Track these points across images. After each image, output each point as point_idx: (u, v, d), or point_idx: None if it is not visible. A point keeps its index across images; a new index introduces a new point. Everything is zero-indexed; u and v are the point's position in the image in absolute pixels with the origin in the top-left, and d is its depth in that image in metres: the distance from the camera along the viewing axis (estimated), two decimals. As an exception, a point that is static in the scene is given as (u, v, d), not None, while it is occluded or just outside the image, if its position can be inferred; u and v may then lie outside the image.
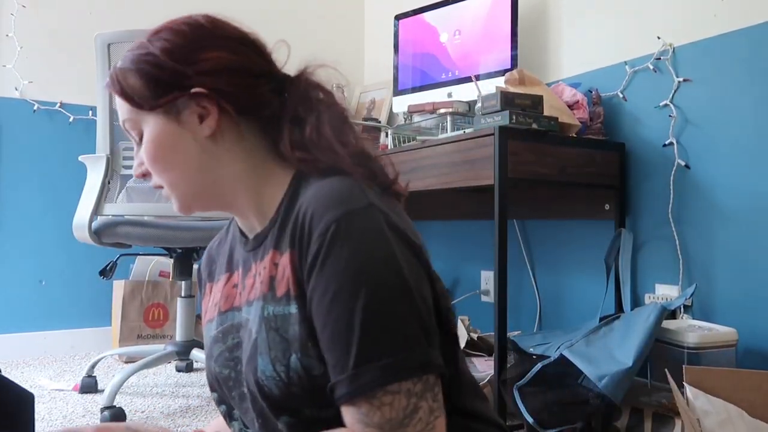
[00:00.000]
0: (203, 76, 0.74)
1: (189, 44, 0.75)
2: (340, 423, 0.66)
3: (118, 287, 2.57)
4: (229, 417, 0.84)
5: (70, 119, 2.66)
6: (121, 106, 0.77)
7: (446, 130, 2.00)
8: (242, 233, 0.83)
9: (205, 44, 0.75)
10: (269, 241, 0.75)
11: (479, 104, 1.70)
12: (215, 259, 0.90)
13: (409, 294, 0.65)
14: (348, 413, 0.64)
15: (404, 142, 2.09)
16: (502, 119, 1.60)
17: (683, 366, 1.23)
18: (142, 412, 1.89)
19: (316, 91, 0.79)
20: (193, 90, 0.73)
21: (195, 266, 2.05)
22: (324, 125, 0.76)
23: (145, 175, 0.79)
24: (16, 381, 1.06)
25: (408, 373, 0.62)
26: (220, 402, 0.84)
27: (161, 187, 0.79)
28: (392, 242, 0.66)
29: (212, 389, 0.84)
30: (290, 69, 0.81)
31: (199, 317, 2.64)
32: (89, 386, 2.07)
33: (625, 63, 1.92)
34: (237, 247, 0.84)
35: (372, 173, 0.76)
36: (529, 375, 1.42)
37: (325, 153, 0.75)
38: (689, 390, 1.17)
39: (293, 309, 0.69)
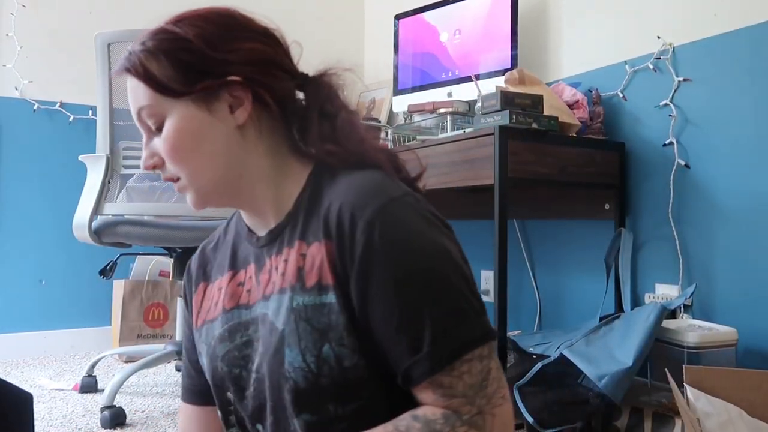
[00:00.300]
0: (238, 66, 0.72)
1: (223, 32, 0.73)
2: (363, 419, 0.68)
3: (118, 287, 2.57)
4: (226, 423, 0.82)
5: (70, 119, 2.66)
6: (141, 92, 0.74)
7: (446, 129, 2.00)
8: (249, 230, 0.82)
9: (237, 34, 0.74)
10: (288, 234, 0.75)
11: (479, 104, 1.70)
12: (210, 260, 0.89)
13: (461, 270, 0.69)
14: (427, 391, 0.66)
15: (404, 141, 2.09)
16: (502, 119, 1.60)
17: (683, 366, 1.23)
18: (142, 411, 1.89)
19: (341, 92, 0.80)
20: (229, 78, 0.72)
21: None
22: (355, 120, 0.78)
23: (155, 167, 0.76)
24: (16, 381, 1.06)
25: (478, 340, 0.67)
26: (220, 407, 0.82)
27: (175, 180, 0.76)
28: (433, 226, 0.70)
29: (217, 391, 0.81)
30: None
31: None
32: (89, 386, 2.07)
33: (625, 62, 1.92)
34: (243, 245, 0.83)
35: (397, 167, 0.78)
36: (529, 375, 1.42)
37: (357, 146, 0.76)
38: (690, 391, 1.17)
39: (329, 299, 0.68)
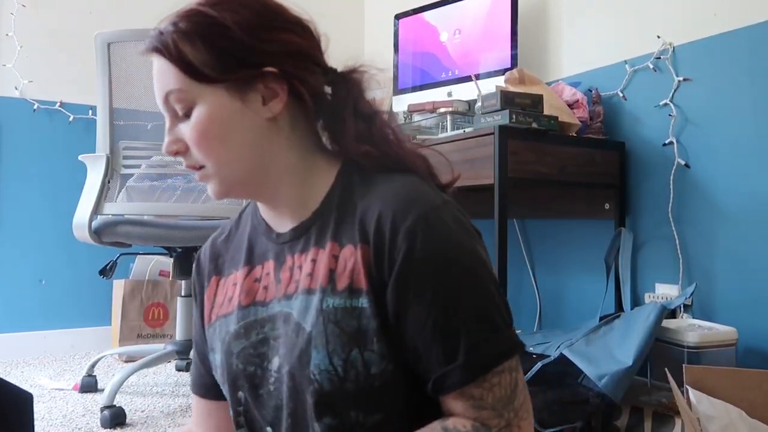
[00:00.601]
0: (275, 57, 0.70)
1: (261, 20, 0.71)
2: (383, 430, 0.68)
3: (118, 286, 2.57)
4: (236, 424, 0.80)
5: (70, 118, 2.66)
6: (171, 75, 0.70)
7: (446, 129, 2.00)
8: (267, 225, 0.80)
9: (275, 24, 0.72)
10: (315, 234, 0.73)
11: (479, 103, 1.70)
12: (221, 253, 0.86)
13: (495, 282, 0.70)
14: (457, 401, 0.66)
15: (404, 141, 2.08)
16: (502, 118, 1.60)
17: (683, 365, 1.23)
18: (142, 411, 1.89)
19: (371, 91, 0.78)
20: (265, 69, 0.70)
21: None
22: (392, 122, 0.77)
23: (178, 153, 0.73)
24: (16, 380, 1.06)
25: (508, 353, 0.67)
26: (230, 404, 0.79)
27: (198, 168, 0.73)
28: (471, 235, 0.71)
29: (229, 388, 0.79)
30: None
31: (199, 317, 2.63)
32: (89, 385, 2.07)
33: (625, 62, 1.92)
34: (260, 240, 0.80)
35: (432, 173, 0.78)
36: (529, 374, 1.42)
37: (395, 149, 0.75)
38: (693, 393, 1.17)
39: (361, 303, 0.67)
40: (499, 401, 0.66)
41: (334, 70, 0.77)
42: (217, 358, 0.80)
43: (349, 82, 0.77)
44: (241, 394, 0.78)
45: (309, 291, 0.71)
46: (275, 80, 0.71)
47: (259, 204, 0.81)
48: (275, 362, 0.73)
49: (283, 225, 0.78)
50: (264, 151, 0.73)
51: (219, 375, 0.80)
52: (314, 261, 0.72)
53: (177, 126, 0.73)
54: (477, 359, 0.65)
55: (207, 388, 0.87)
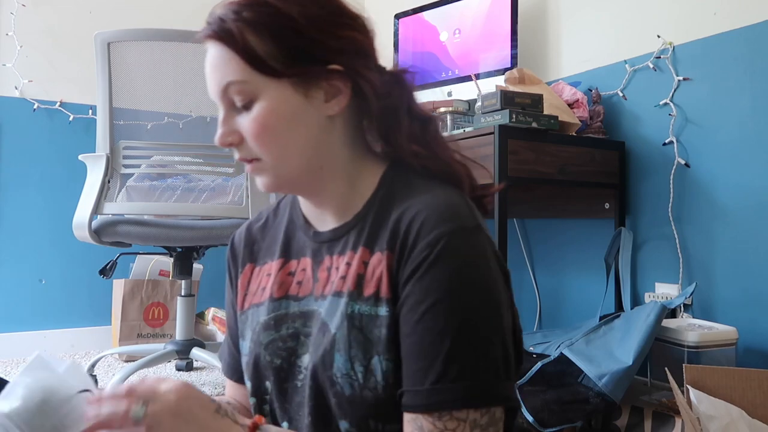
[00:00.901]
0: (340, 54, 0.69)
1: (327, 15, 0.70)
2: None
3: (118, 286, 2.57)
4: (260, 411, 0.79)
5: (70, 118, 2.66)
6: (233, 66, 0.67)
7: (446, 129, 2.00)
8: (305, 220, 0.79)
9: (340, 20, 0.71)
10: (354, 237, 0.73)
11: (479, 103, 1.70)
12: (257, 239, 0.85)
13: (500, 323, 0.66)
14: (408, 423, 0.64)
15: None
16: (502, 118, 1.60)
17: (683, 365, 1.23)
18: (142, 411, 1.88)
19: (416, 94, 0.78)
20: (331, 66, 0.69)
21: (195, 265, 2.05)
22: (443, 126, 0.77)
23: (232, 145, 0.71)
24: (16, 380, 1.06)
25: (480, 401, 0.62)
26: (255, 393, 0.79)
27: (251, 161, 0.72)
28: (493, 269, 0.67)
29: (254, 377, 0.78)
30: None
31: (199, 316, 2.64)
32: (89, 385, 2.07)
33: (625, 61, 1.92)
34: (298, 235, 0.80)
35: (474, 186, 0.77)
36: (529, 374, 1.42)
37: (444, 153, 0.75)
38: (693, 393, 1.17)
39: (382, 311, 0.67)
40: None
41: (387, 70, 0.77)
42: (246, 346, 0.80)
43: (403, 82, 0.76)
44: (268, 384, 0.77)
45: (339, 294, 0.71)
46: (339, 78, 0.70)
47: (300, 199, 0.80)
48: (305, 359, 0.73)
49: (323, 223, 0.77)
50: (321, 149, 0.72)
51: (245, 362, 0.80)
52: (348, 264, 0.72)
53: (233, 117, 0.70)
54: (440, 393, 0.62)
55: (241, 374, 0.85)
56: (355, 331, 0.68)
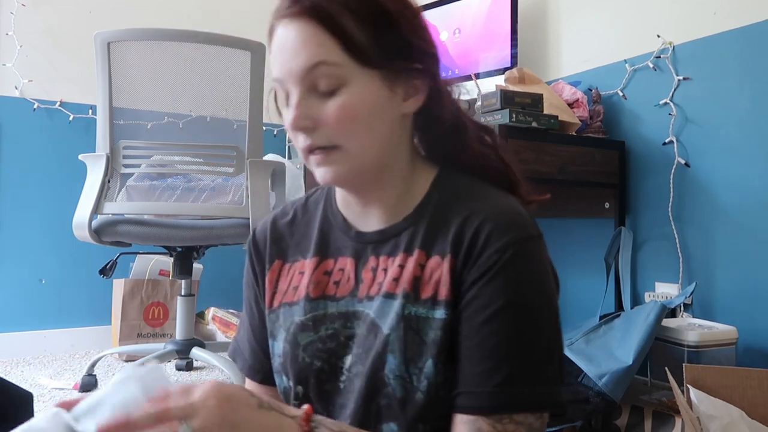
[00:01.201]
0: (423, 55, 0.71)
1: (413, 16, 0.71)
2: None
3: (118, 286, 2.57)
4: None
5: (70, 118, 2.66)
6: (327, 46, 0.65)
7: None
8: (344, 219, 0.78)
9: (422, 23, 0.72)
10: (406, 239, 0.72)
11: (479, 102, 1.70)
12: (284, 235, 0.82)
13: (559, 331, 0.68)
14: (464, 424, 0.64)
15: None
16: (502, 117, 1.60)
17: (683, 364, 1.23)
18: (142, 410, 1.88)
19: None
20: (416, 65, 0.70)
21: (195, 265, 2.05)
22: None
23: (305, 129, 0.68)
24: (17, 380, 1.06)
25: (539, 406, 0.64)
26: (287, 392, 0.77)
27: (321, 149, 0.68)
28: (553, 279, 0.71)
29: (290, 378, 0.76)
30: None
31: (199, 316, 2.64)
32: (89, 385, 2.07)
33: (625, 61, 1.92)
34: (335, 234, 0.78)
35: (527, 191, 0.79)
36: (529, 373, 1.42)
37: (506, 157, 0.78)
38: (694, 393, 1.17)
39: (438, 314, 0.67)
40: None
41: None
42: (278, 346, 0.78)
43: (452, 91, 0.78)
44: (300, 388, 0.75)
45: (391, 295, 0.70)
46: (420, 77, 0.71)
47: (338, 197, 0.79)
48: (348, 360, 0.72)
49: (367, 224, 0.76)
50: (393, 146, 0.72)
51: (278, 363, 0.78)
52: (402, 267, 0.71)
53: (312, 101, 0.67)
54: (503, 396, 0.63)
55: (265, 374, 0.83)
56: (411, 333, 0.68)
